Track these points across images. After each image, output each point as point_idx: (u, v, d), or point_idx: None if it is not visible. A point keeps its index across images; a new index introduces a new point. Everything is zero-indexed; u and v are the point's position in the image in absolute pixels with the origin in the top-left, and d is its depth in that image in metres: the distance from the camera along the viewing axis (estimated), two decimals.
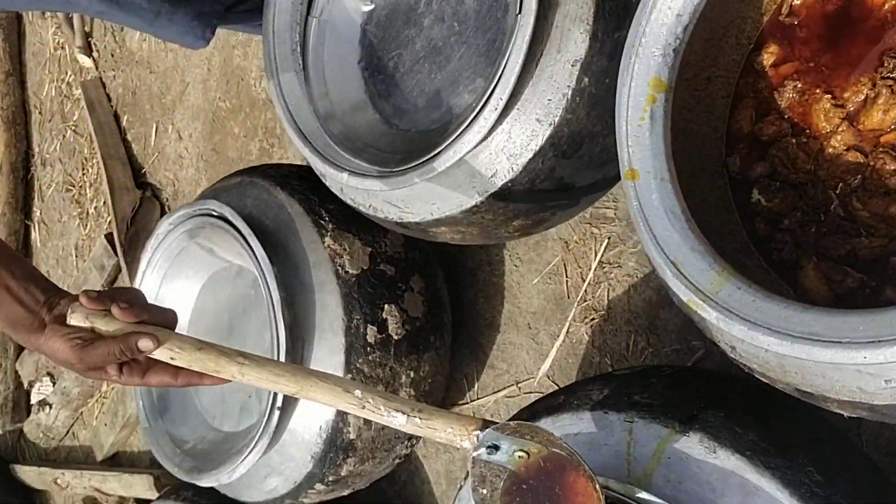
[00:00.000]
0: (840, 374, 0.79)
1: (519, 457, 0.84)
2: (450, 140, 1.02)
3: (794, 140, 1.07)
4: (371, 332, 1.30)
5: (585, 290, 1.41)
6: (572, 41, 0.99)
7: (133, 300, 0.89)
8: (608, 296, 1.38)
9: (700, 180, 1.13)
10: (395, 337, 1.33)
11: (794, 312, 0.80)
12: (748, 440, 0.92)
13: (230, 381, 0.89)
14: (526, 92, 1.01)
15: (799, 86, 1.07)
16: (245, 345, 1.43)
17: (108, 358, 0.86)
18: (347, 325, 1.28)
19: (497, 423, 0.86)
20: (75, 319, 0.87)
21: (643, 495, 0.90)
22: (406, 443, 1.42)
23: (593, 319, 1.40)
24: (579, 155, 1.06)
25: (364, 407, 0.87)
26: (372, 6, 1.25)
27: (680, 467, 0.92)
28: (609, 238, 1.38)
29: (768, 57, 1.10)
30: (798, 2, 1.07)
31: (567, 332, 1.44)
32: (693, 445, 0.93)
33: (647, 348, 1.34)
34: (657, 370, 1.08)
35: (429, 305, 1.39)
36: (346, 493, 1.44)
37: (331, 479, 1.35)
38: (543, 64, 1.00)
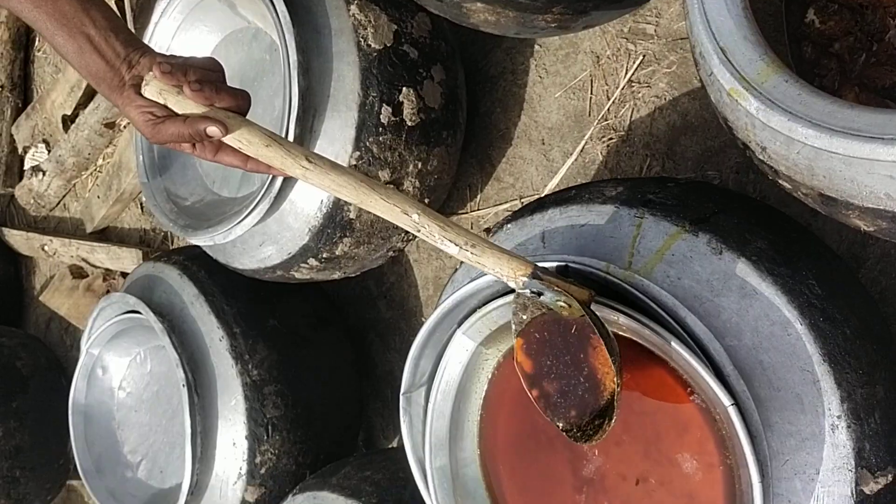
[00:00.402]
0: (871, 179, 0.77)
1: (560, 306, 0.84)
2: None
3: None
4: (385, 113, 1.26)
5: (608, 109, 1.37)
6: None
7: (206, 78, 0.89)
8: (631, 116, 1.35)
9: None
10: (409, 123, 1.29)
11: (839, 108, 0.77)
12: (756, 247, 0.91)
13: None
14: None
15: None
16: (254, 111, 1.38)
17: (178, 138, 0.88)
18: (362, 101, 1.25)
19: (549, 271, 0.85)
20: (149, 93, 0.88)
21: (640, 280, 0.90)
22: (402, 234, 1.42)
23: (611, 139, 1.37)
24: None
25: (419, 230, 0.87)
26: None
27: (682, 265, 0.92)
28: (644, 56, 1.32)
29: None
30: None
31: (581, 150, 1.41)
32: (700, 246, 0.92)
33: (661, 174, 1.32)
34: (675, 179, 1.06)
35: (446, 99, 1.35)
36: (336, 274, 1.45)
37: (325, 255, 1.35)
38: None
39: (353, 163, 1.26)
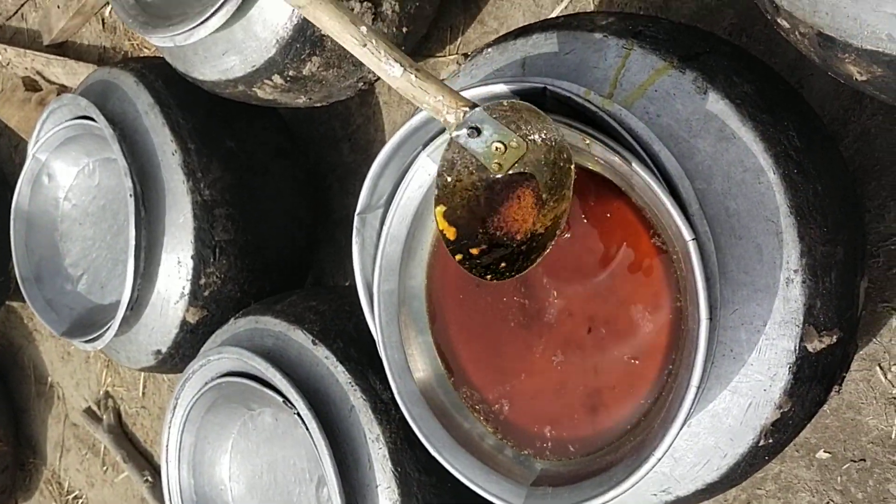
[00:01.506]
0: (875, 17, 0.73)
1: (497, 148, 0.82)
2: None
3: None
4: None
5: None
6: None
7: None
8: None
9: None
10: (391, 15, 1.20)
11: None
12: (742, 91, 0.87)
13: None
14: None
15: None
16: None
17: None
18: None
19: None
20: None
21: (618, 110, 0.85)
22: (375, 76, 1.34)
23: None
24: None
25: (365, 45, 0.82)
26: None
27: (664, 101, 0.87)
28: None
29: None
30: None
31: None
32: (685, 83, 0.87)
33: None
34: (670, 19, 1.00)
35: None
36: (301, 100, 1.38)
37: (290, 73, 1.28)
38: None
39: None
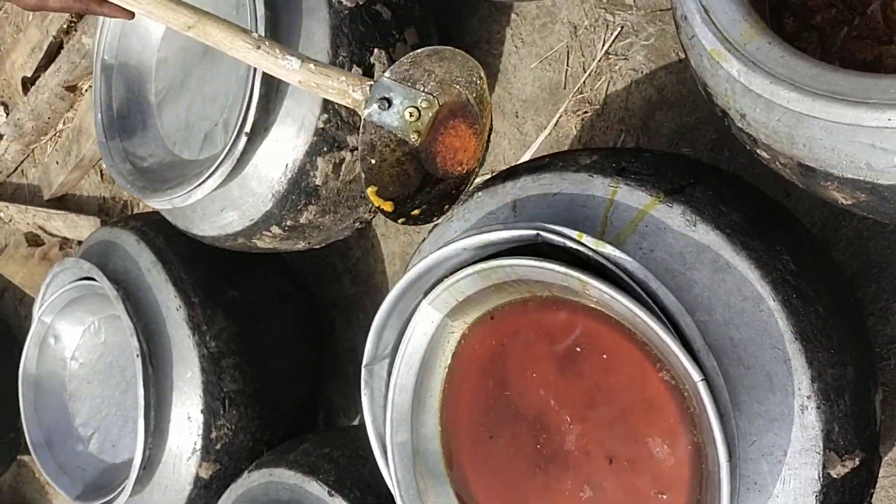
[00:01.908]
0: (852, 147, 0.75)
1: (410, 114, 0.83)
2: None
3: None
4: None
5: (584, 82, 1.34)
6: None
7: None
8: (607, 90, 1.31)
9: None
10: None
11: (823, 71, 0.74)
12: (731, 220, 0.88)
13: (125, 11, 0.86)
14: None
15: None
16: (219, 70, 1.34)
17: None
18: (331, 61, 1.20)
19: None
20: None
21: (612, 251, 0.86)
22: (370, 206, 1.37)
23: (586, 113, 1.34)
24: None
25: (259, 47, 0.85)
26: None
27: (655, 236, 0.89)
28: (622, 27, 1.29)
29: None
30: None
31: (555, 124, 1.37)
32: (674, 217, 0.89)
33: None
34: (650, 150, 1.03)
35: None
36: (300, 245, 1.40)
37: (288, 223, 1.30)
38: None
39: (321, 125, 1.21)
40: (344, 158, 1.25)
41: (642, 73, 1.27)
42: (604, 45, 1.31)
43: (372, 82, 0.83)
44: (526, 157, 1.41)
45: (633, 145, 1.28)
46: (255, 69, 1.16)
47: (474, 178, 0.83)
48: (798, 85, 0.73)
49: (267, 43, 0.84)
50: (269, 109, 1.20)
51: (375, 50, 1.23)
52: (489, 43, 1.45)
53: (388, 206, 0.86)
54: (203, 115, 1.35)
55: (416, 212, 0.85)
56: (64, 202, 2.28)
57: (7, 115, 2.35)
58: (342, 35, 1.20)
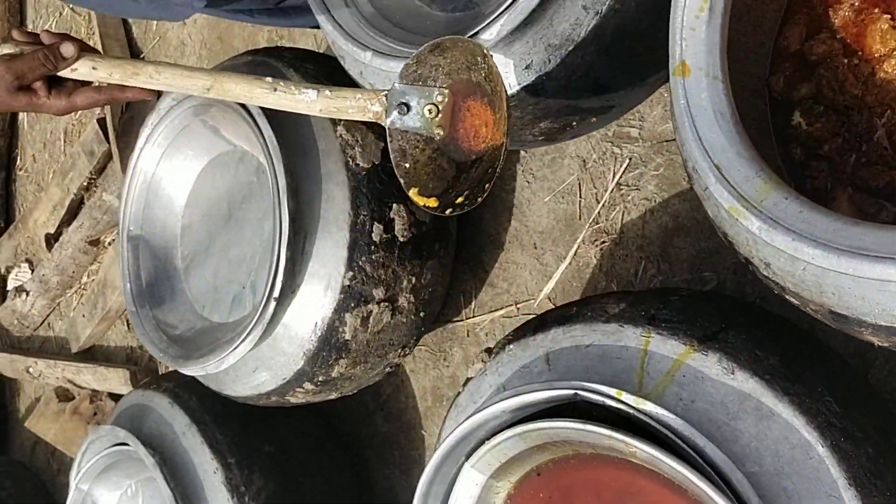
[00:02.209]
0: (882, 296, 0.75)
1: (429, 111, 0.84)
2: (484, 24, 0.95)
3: (845, 61, 1.02)
4: (377, 231, 1.24)
5: (599, 212, 1.36)
6: None
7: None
8: (622, 219, 1.34)
9: (738, 98, 1.07)
10: (401, 239, 1.27)
11: (844, 226, 0.75)
12: (768, 364, 0.88)
13: (148, 91, 0.92)
14: None
15: (856, 4, 1.01)
16: (242, 234, 1.37)
17: (34, 65, 0.88)
18: (353, 221, 1.23)
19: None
20: (6, 49, 0.90)
21: (654, 409, 0.86)
22: (399, 350, 1.38)
23: (604, 243, 1.36)
24: (620, 52, 1.00)
25: (276, 89, 0.88)
26: None
27: (694, 386, 0.89)
28: (630, 159, 1.32)
29: None
30: None
31: (574, 254, 1.39)
32: (711, 365, 0.89)
33: (657, 276, 1.30)
34: (676, 290, 1.04)
35: None
36: (333, 395, 1.40)
37: (321, 379, 1.31)
38: None
39: (347, 283, 1.23)
40: (371, 311, 1.26)
41: (655, 201, 1.30)
42: (614, 176, 1.34)
43: (386, 91, 0.86)
44: (548, 288, 1.43)
45: (653, 273, 1.30)
46: (279, 235, 1.19)
47: (505, 150, 0.84)
48: (821, 241, 0.74)
49: (282, 84, 0.88)
50: (296, 272, 1.23)
51: (394, 205, 1.26)
52: (501, 179, 1.48)
53: (433, 203, 0.88)
54: (230, 278, 1.38)
55: (459, 199, 0.86)
56: (92, 353, 2.30)
57: (32, 271, 2.40)
58: (361, 195, 1.23)
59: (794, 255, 0.77)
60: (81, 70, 0.91)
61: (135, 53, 2.20)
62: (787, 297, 0.86)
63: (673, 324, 0.93)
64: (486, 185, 0.85)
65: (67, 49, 0.90)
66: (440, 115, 0.85)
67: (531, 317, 1.41)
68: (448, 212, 0.88)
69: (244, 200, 1.38)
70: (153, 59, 2.18)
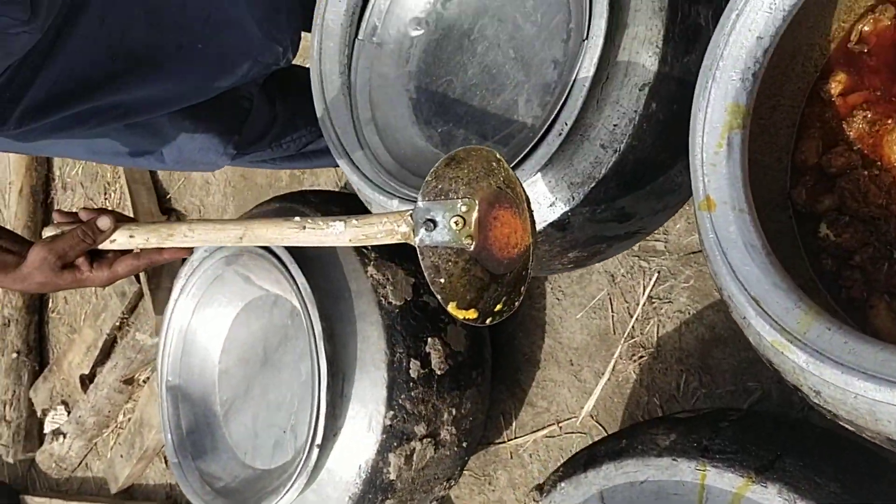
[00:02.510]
0: None
1: (455, 223, 0.85)
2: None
3: (865, 172, 1.03)
4: (414, 367, 1.25)
5: (633, 326, 1.36)
6: (640, 64, 0.95)
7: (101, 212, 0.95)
8: (657, 332, 1.33)
9: (763, 213, 1.08)
10: (439, 372, 1.27)
11: (892, 355, 0.75)
12: (829, 491, 0.86)
13: (184, 249, 0.95)
14: (590, 117, 0.97)
15: (869, 116, 1.03)
16: (280, 378, 1.38)
17: (73, 242, 0.91)
18: (390, 359, 1.23)
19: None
20: (49, 231, 0.94)
21: None
22: (444, 483, 1.36)
23: (641, 357, 1.35)
24: (643, 184, 1.02)
25: (304, 227, 0.89)
26: (422, 31, 1.21)
27: None
28: (659, 272, 1.33)
29: (836, 86, 1.06)
30: (868, 29, 1.03)
31: (613, 369, 1.38)
32: (771, 497, 0.87)
33: (700, 389, 1.29)
34: (723, 414, 1.02)
35: (471, 339, 1.34)
36: None
37: None
38: (609, 88, 0.96)
39: (388, 423, 1.23)
40: (414, 448, 1.25)
41: (689, 313, 1.29)
42: (644, 290, 1.34)
43: (411, 210, 0.86)
44: (589, 405, 1.41)
45: (695, 385, 1.28)
46: (317, 378, 1.20)
47: (534, 252, 0.83)
48: (870, 373, 0.74)
49: (310, 220, 0.89)
50: (336, 415, 1.22)
51: (429, 339, 1.27)
52: (530, 298, 1.49)
53: (472, 314, 0.86)
54: (270, 423, 1.38)
55: (498, 307, 0.85)
56: (131, 493, 2.28)
57: (69, 413, 2.41)
58: (396, 333, 1.24)
59: (844, 388, 0.76)
60: (119, 240, 0.94)
61: (160, 195, 2.27)
62: (840, 423, 0.85)
63: (727, 455, 0.92)
64: (522, 288, 0.84)
65: (104, 222, 0.93)
66: (468, 225, 0.86)
67: (575, 435, 1.39)
68: (488, 321, 0.86)
69: (280, 344, 1.39)
70: (179, 199, 2.25)
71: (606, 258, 1.24)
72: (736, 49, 0.86)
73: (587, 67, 0.92)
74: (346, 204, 1.36)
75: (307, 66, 1.24)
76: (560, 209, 1.01)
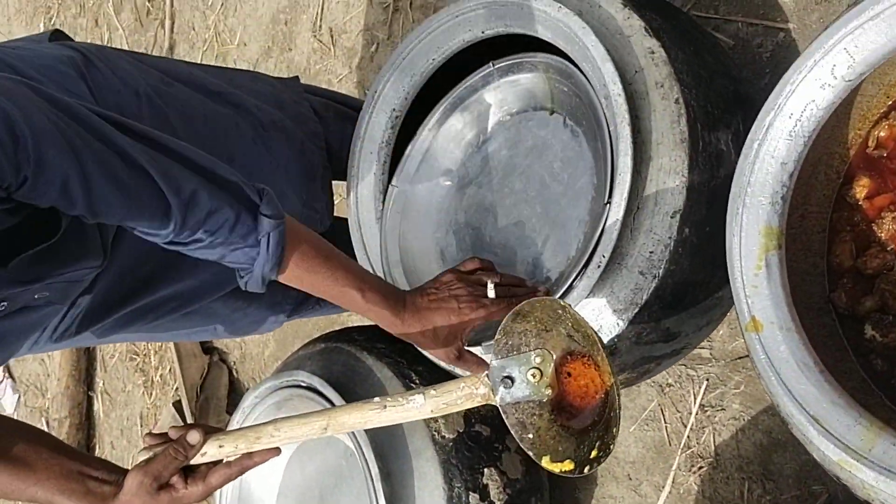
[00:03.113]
0: None
1: (533, 376, 0.86)
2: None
3: None
4: (473, 500, 1.24)
5: (688, 436, 1.35)
6: (669, 193, 0.99)
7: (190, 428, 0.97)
8: (714, 441, 1.32)
9: (806, 319, 1.10)
10: (497, 503, 1.27)
11: None
12: None
13: (273, 449, 0.95)
14: (626, 246, 1.00)
15: None
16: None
17: (167, 462, 0.92)
18: (449, 495, 1.23)
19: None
20: (141, 456, 0.95)
21: None
22: None
23: (700, 467, 1.33)
24: (685, 304, 1.04)
25: (385, 406, 0.91)
26: (452, 182, 1.27)
27: None
28: (708, 380, 1.33)
29: (860, 190, 1.09)
30: (884, 134, 1.07)
31: (673, 482, 1.37)
32: None
33: (764, 496, 1.26)
34: None
35: (527, 464, 1.33)
36: None
37: None
38: (641, 217, 0.99)
39: None
40: None
41: (743, 420, 1.29)
42: (695, 399, 1.34)
43: (487, 372, 0.87)
44: None
45: (759, 493, 1.26)
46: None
47: (618, 391, 0.84)
48: None
49: (389, 399, 0.91)
50: None
51: (485, 469, 1.27)
52: None
53: (568, 466, 0.85)
54: None
55: (594, 453, 0.85)
56: None
57: None
58: (452, 466, 1.24)
59: None
60: (210, 452, 0.94)
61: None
62: None
63: None
64: (615, 430, 0.84)
65: (193, 437, 0.93)
66: (545, 376, 0.86)
67: None
68: (586, 470, 0.85)
69: (335, 486, 1.39)
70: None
71: (655, 375, 1.25)
72: (762, 175, 0.89)
73: (618, 201, 0.96)
74: (392, 342, 1.38)
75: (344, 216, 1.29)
76: (606, 335, 1.03)
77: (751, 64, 1.29)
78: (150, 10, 2.57)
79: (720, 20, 1.32)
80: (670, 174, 0.99)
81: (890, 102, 1.06)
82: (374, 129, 1.26)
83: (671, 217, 0.99)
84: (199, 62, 2.27)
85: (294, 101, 1.30)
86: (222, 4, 2.32)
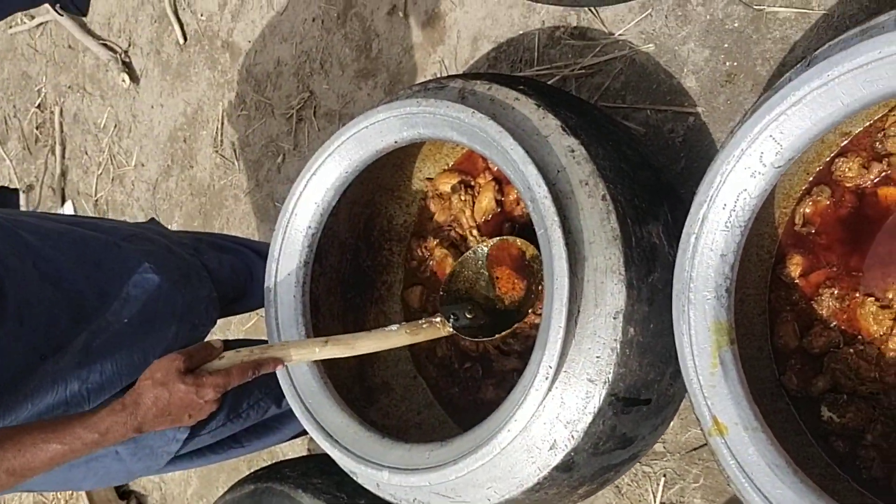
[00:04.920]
0: None
1: (470, 310, 1.16)
2: (504, 420, 0.93)
3: (850, 350, 1.02)
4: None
5: None
6: (608, 293, 0.94)
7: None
8: None
9: (761, 407, 1.06)
10: None
11: None
12: None
13: (277, 360, 1.03)
14: (571, 352, 0.94)
15: (836, 292, 1.03)
16: None
17: (198, 349, 0.99)
18: None
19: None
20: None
21: None
22: None
23: None
24: (638, 407, 0.98)
25: (391, 335, 1.10)
26: None
27: None
28: (665, 475, 1.27)
29: (794, 268, 1.07)
30: (809, 210, 1.06)
31: None
32: None
33: None
34: None
35: None
36: None
37: None
38: (583, 320, 0.94)
39: None
40: None
41: None
42: (655, 496, 1.27)
43: (439, 315, 1.15)
44: None
45: None
46: None
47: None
48: None
49: (398, 327, 1.12)
50: None
51: None
52: None
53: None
54: None
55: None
56: None
57: None
58: None
59: None
60: (228, 355, 1.00)
61: None
62: None
63: None
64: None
65: (216, 342, 1.02)
66: (476, 314, 1.17)
67: None
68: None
69: None
70: (138, 480, 2.10)
71: (615, 481, 1.18)
72: (703, 269, 0.86)
73: (558, 307, 0.91)
74: (326, 472, 1.27)
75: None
76: (561, 451, 0.96)
77: (664, 150, 1.29)
78: (39, 136, 2.45)
79: (629, 109, 1.32)
80: (607, 273, 0.94)
81: (811, 179, 1.05)
82: (291, 247, 1.18)
83: (613, 318, 0.94)
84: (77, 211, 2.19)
85: (160, 233, 1.34)
86: (115, 126, 2.23)
